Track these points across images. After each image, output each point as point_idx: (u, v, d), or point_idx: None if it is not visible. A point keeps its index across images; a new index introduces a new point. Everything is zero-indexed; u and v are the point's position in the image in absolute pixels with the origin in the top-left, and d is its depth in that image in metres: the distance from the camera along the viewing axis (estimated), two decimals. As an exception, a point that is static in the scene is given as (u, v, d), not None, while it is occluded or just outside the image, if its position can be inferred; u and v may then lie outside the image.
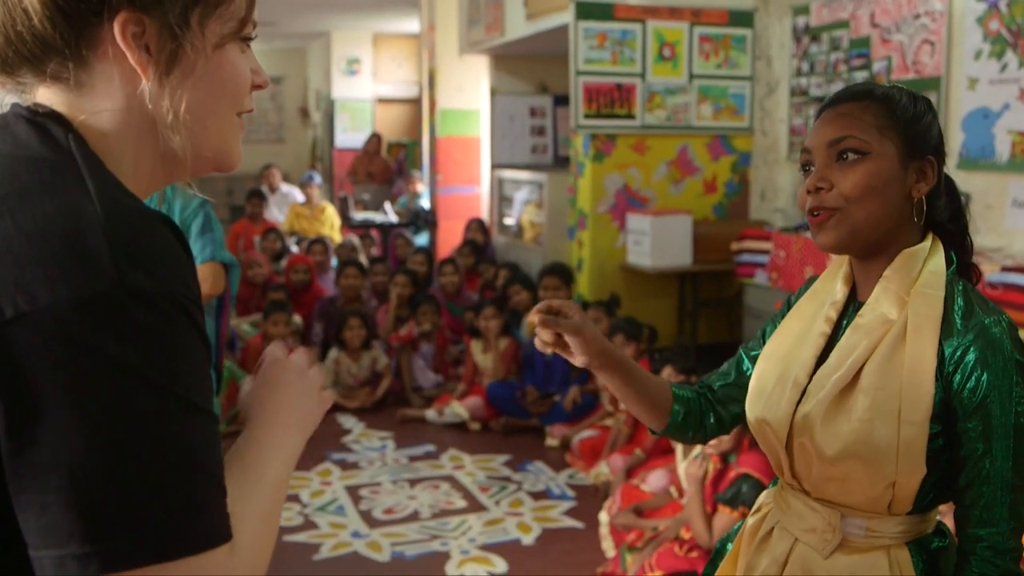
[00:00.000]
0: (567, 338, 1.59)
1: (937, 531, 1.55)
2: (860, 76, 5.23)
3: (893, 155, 1.47)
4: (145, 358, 0.80)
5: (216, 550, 0.82)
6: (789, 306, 1.70)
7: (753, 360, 1.71)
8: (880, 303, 1.49)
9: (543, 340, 1.60)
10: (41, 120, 0.91)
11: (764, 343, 1.70)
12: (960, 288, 1.48)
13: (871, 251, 1.52)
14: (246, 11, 0.98)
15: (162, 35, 0.91)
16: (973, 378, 1.40)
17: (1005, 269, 3.86)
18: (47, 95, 0.93)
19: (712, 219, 6.28)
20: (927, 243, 1.51)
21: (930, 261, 1.49)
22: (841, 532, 1.52)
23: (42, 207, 0.82)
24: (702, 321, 6.20)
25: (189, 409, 0.82)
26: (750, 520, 1.69)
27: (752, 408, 1.62)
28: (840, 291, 1.59)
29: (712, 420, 1.74)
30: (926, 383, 1.42)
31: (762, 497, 1.71)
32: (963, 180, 4.54)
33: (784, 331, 1.65)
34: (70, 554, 0.77)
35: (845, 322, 1.56)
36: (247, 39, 1.00)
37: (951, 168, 4.89)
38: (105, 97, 0.92)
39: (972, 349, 1.40)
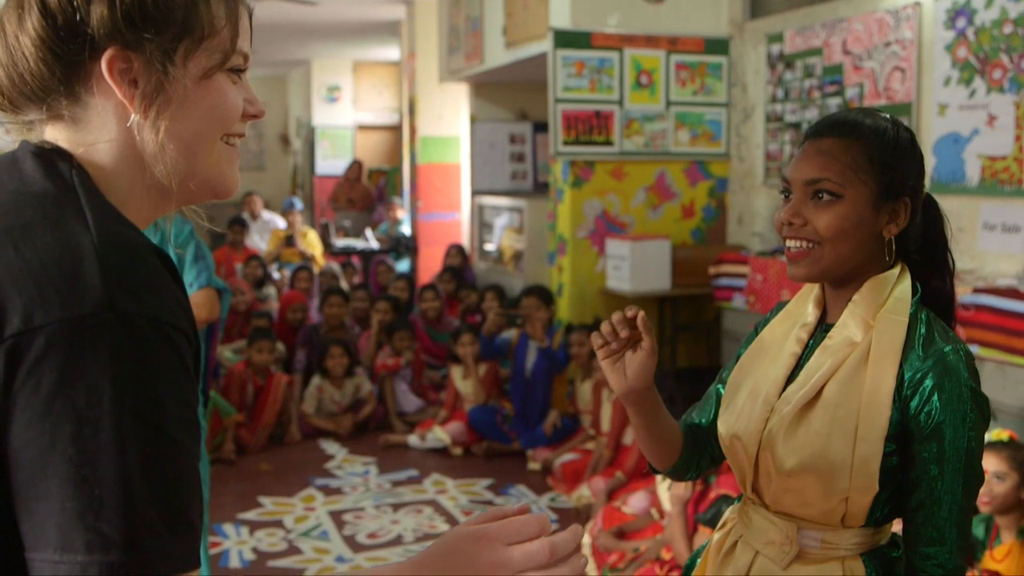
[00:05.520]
0: (631, 355, 1.60)
1: (892, 542, 1.61)
2: (833, 102, 5.32)
3: (867, 198, 1.52)
4: (123, 382, 0.83)
5: None
6: (756, 332, 1.76)
7: None
8: (847, 326, 1.56)
9: (619, 331, 1.58)
10: (47, 155, 0.96)
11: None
12: (924, 316, 1.54)
13: (841, 281, 1.59)
14: (230, 43, 1.02)
15: (149, 69, 0.96)
16: (929, 402, 1.46)
17: (976, 291, 3.91)
18: (52, 132, 0.99)
19: (690, 244, 6.35)
20: (896, 270, 1.58)
21: (897, 288, 1.56)
22: (798, 544, 1.58)
23: (43, 238, 0.87)
24: (681, 345, 6.25)
25: (161, 437, 0.84)
26: (716, 535, 1.76)
27: (724, 423, 1.68)
28: (811, 314, 1.66)
29: (707, 461, 1.82)
30: (884, 404, 1.48)
31: (727, 513, 1.78)
32: (935, 204, 4.62)
33: (757, 351, 1.71)
34: (47, 559, 0.81)
35: (813, 343, 1.63)
36: (236, 71, 1.04)
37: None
38: (100, 130, 0.97)
39: (930, 375, 1.47)
